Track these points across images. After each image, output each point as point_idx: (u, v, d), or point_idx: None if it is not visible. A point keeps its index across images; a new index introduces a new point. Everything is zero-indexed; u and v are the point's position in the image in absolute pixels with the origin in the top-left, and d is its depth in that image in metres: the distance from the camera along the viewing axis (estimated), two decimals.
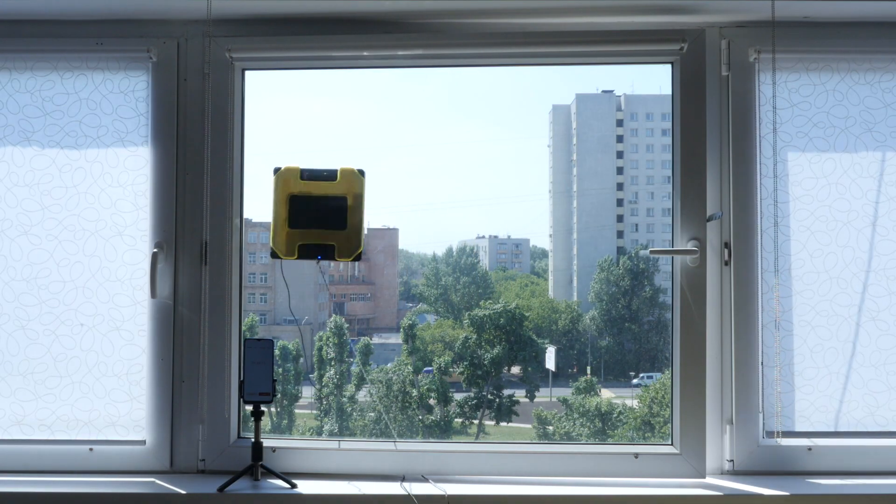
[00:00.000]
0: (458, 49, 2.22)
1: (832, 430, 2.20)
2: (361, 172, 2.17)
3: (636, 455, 2.17)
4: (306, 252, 2.15)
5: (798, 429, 2.19)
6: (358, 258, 2.17)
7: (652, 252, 2.29)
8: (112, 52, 2.23)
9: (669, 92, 2.24)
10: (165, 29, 2.24)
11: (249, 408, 2.15)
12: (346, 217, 2.16)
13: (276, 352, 2.14)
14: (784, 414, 2.19)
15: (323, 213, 2.16)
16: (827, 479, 2.12)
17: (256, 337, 2.18)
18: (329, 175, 2.17)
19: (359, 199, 2.17)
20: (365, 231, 2.19)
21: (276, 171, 2.16)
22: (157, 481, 2.14)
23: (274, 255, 2.17)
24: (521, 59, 2.30)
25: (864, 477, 2.13)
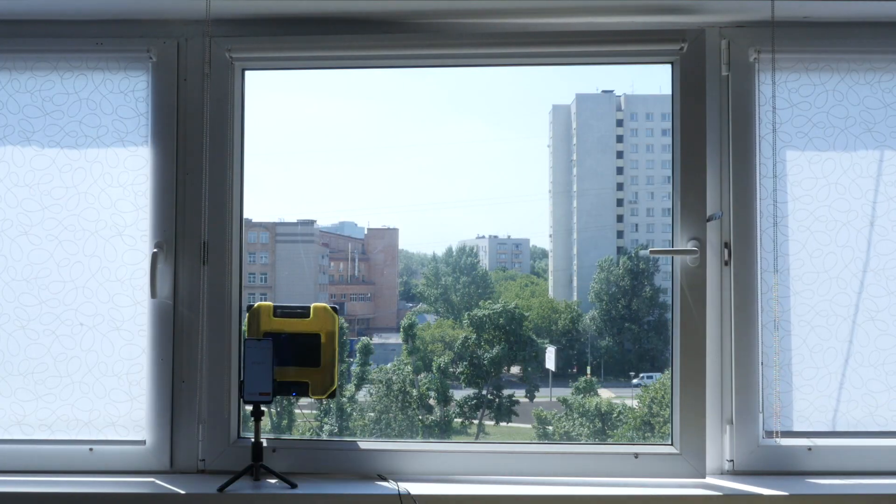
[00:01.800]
0: (458, 49, 2.22)
1: (832, 430, 2.20)
2: (335, 309, 2.19)
3: (636, 455, 2.17)
4: (281, 389, 2.17)
5: (797, 428, 2.20)
6: (332, 396, 2.18)
7: (652, 252, 2.29)
8: (112, 52, 2.23)
9: (669, 92, 2.24)
10: (165, 29, 2.24)
11: (249, 408, 2.15)
12: (319, 355, 2.18)
13: None
14: (783, 414, 2.19)
15: (296, 351, 2.18)
16: (827, 479, 2.12)
17: (256, 337, 2.18)
18: (302, 312, 2.19)
19: (332, 336, 2.19)
20: (337, 366, 2.19)
21: (250, 308, 2.19)
22: (157, 481, 2.14)
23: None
24: (521, 59, 2.30)
25: (863, 477, 2.14)
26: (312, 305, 2.20)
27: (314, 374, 2.18)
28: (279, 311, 2.20)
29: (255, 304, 2.19)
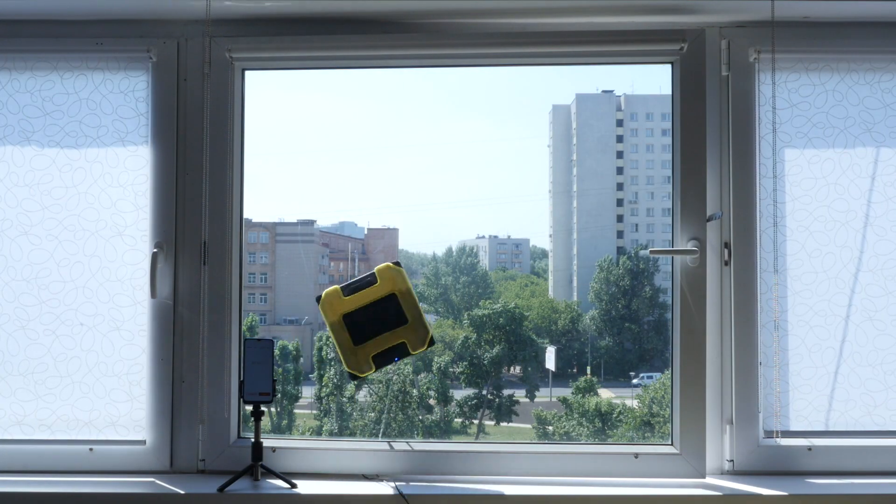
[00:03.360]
0: (458, 49, 2.22)
1: (830, 429, 2.20)
2: (397, 264, 2.18)
3: (636, 455, 2.17)
4: (382, 359, 2.17)
5: (794, 428, 2.20)
6: (432, 343, 2.18)
7: (652, 252, 2.29)
8: (112, 52, 2.23)
9: (669, 92, 2.24)
10: (165, 29, 2.24)
11: (249, 408, 2.15)
12: (403, 312, 2.17)
13: (276, 352, 2.15)
14: (781, 413, 2.19)
15: (381, 317, 2.17)
16: (826, 479, 2.12)
17: (256, 337, 2.18)
18: (369, 280, 2.18)
19: (406, 292, 2.17)
20: (429, 319, 2.17)
21: (318, 299, 2.17)
22: (157, 481, 2.14)
23: (353, 376, 2.17)
24: (521, 59, 2.30)
25: (863, 477, 2.14)
26: (376, 269, 2.18)
27: (407, 330, 2.17)
28: (346, 290, 2.18)
29: (322, 294, 2.17)
